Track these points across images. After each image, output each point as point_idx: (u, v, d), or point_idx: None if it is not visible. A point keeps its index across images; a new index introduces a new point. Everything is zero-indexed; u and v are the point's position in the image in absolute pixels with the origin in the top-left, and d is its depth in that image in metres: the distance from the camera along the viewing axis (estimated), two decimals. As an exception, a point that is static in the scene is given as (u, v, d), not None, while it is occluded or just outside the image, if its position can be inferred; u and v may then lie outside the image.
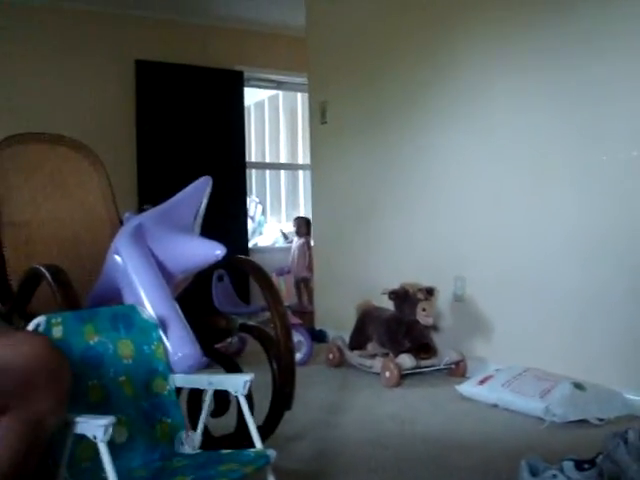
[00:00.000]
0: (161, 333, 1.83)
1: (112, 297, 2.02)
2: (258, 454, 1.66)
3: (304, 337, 4.15)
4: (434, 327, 3.83)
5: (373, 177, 4.49)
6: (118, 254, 2.01)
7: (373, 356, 3.83)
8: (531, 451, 2.10)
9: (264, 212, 7.66)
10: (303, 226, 5.95)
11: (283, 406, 2.31)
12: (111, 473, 1.37)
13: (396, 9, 4.28)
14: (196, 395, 2.23)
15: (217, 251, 1.94)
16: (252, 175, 7.12)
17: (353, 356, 3.93)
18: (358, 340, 3.99)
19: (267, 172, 7.79)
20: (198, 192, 2.22)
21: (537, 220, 3.40)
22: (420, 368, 3.60)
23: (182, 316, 1.91)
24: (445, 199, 3.94)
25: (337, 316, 4.60)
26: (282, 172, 7.85)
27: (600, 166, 3.10)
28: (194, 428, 1.81)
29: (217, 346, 2.62)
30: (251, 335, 2.49)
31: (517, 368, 3.20)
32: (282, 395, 2.30)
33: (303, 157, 7.67)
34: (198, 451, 1.76)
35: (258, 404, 2.22)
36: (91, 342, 1.71)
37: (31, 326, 1.62)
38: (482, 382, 3.20)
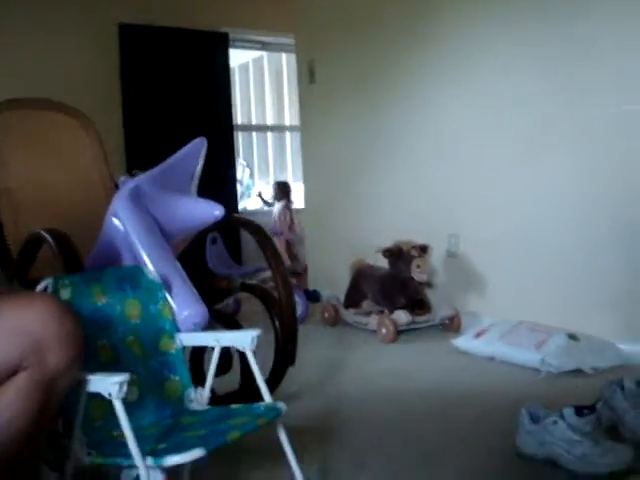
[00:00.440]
0: (166, 293, 1.84)
1: (112, 260, 2.02)
2: (268, 407, 1.68)
3: (300, 297, 4.18)
4: (428, 283, 3.86)
5: (364, 137, 4.47)
6: (117, 217, 2.00)
7: (368, 313, 3.87)
8: (529, 401, 2.13)
9: (252, 175, 7.60)
10: (281, 190, 5.95)
11: (287, 362, 2.35)
12: (127, 430, 1.38)
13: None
14: (198, 354, 2.25)
15: (216, 211, 1.94)
16: (239, 138, 7.05)
17: (349, 314, 3.97)
18: (353, 298, 4.02)
19: (254, 134, 7.72)
20: (194, 153, 2.21)
21: (530, 177, 3.42)
22: (415, 324, 3.65)
23: (185, 275, 1.91)
24: (438, 159, 3.93)
25: (330, 276, 4.63)
26: (269, 134, 7.78)
27: (591, 122, 3.11)
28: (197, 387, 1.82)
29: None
30: (253, 294, 2.51)
31: (511, 321, 3.24)
32: (285, 352, 2.33)
33: (290, 119, 7.60)
34: (207, 407, 1.78)
35: (259, 363, 2.24)
36: (99, 303, 1.72)
37: (39, 288, 1.62)
38: (478, 335, 3.24)
